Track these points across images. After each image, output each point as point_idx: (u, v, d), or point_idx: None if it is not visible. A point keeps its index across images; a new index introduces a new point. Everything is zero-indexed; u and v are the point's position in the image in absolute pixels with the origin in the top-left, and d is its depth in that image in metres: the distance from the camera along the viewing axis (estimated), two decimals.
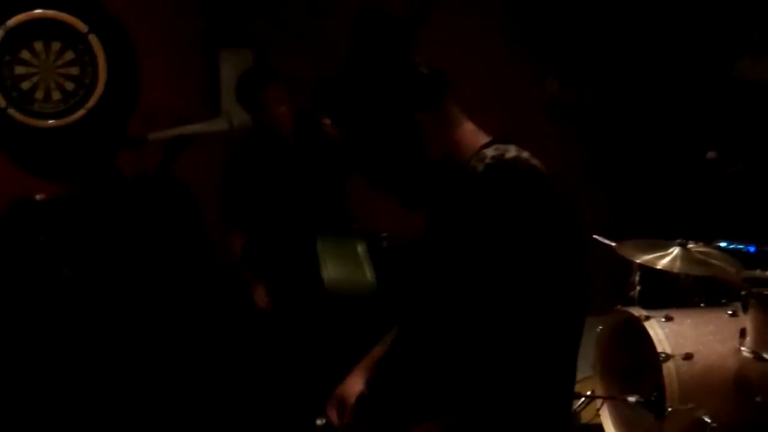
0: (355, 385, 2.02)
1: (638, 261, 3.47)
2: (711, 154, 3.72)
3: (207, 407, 3.74)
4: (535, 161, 1.72)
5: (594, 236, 3.77)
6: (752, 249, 3.80)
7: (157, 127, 4.12)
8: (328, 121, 3.28)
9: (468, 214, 1.67)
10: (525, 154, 1.73)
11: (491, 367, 1.61)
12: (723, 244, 3.75)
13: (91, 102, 4.28)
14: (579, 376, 3.89)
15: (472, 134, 1.80)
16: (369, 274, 3.32)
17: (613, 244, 3.62)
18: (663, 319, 3.21)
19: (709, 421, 3.00)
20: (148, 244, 3.88)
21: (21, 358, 3.54)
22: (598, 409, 3.46)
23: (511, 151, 1.72)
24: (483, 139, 1.80)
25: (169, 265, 3.91)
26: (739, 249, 3.76)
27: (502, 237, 1.60)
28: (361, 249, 3.39)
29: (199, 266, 4.05)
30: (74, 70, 4.26)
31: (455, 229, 1.72)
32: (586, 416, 3.60)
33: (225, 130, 2.93)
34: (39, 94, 4.23)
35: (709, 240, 3.63)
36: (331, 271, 3.32)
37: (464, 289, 1.66)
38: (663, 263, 3.36)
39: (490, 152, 1.73)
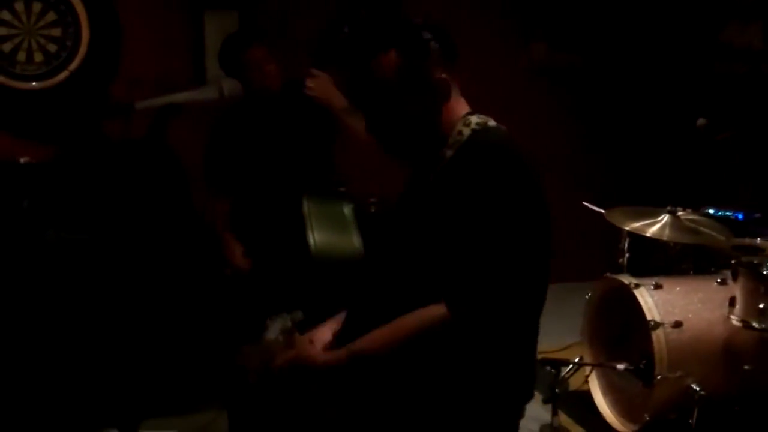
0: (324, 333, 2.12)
1: (627, 228, 3.47)
2: (701, 121, 3.71)
3: (188, 369, 3.74)
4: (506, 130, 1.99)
5: (583, 203, 3.76)
6: (740, 216, 3.81)
7: (141, 90, 4.06)
8: (312, 85, 3.22)
9: (456, 169, 1.89)
10: (502, 125, 1.99)
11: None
12: (711, 211, 3.75)
13: (74, 64, 4.20)
14: (567, 342, 3.96)
15: (459, 102, 2.00)
16: (355, 239, 3.27)
17: (603, 211, 3.61)
18: (652, 287, 3.21)
19: (697, 389, 3.02)
20: (132, 207, 3.84)
21: (3, 322, 3.51)
22: (587, 376, 3.47)
23: (492, 121, 1.98)
24: (465, 107, 2.01)
25: (154, 228, 3.87)
26: (728, 216, 3.77)
27: (486, 190, 1.81)
28: (348, 213, 3.34)
29: (183, 230, 4.01)
30: (56, 32, 4.18)
31: (445, 182, 1.91)
32: (574, 383, 3.62)
33: (215, 98, 2.86)
34: (21, 56, 4.16)
35: (697, 207, 3.63)
36: (317, 234, 3.27)
37: (447, 234, 1.85)
38: (652, 231, 3.36)
39: (474, 119, 1.97)
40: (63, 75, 4.20)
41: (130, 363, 3.57)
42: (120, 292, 3.63)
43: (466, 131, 1.94)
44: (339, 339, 2.07)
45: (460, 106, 1.99)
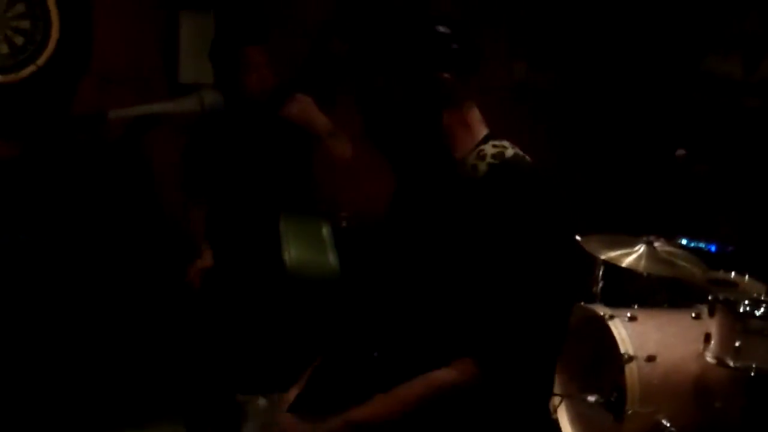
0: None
1: (602, 257, 3.43)
2: (680, 152, 3.69)
3: (145, 380, 3.64)
4: (527, 157, 1.80)
5: None
6: (713, 248, 3.80)
7: (111, 90, 3.95)
8: (293, 111, 3.13)
9: (472, 212, 1.72)
10: (519, 151, 1.80)
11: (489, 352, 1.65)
12: (684, 242, 3.73)
13: (42, 59, 4.06)
14: None
15: (476, 123, 1.83)
16: (332, 258, 3.21)
17: (578, 237, 3.57)
18: (627, 319, 3.17)
19: (668, 425, 2.98)
20: (94, 210, 3.74)
21: None
22: (556, 406, 3.41)
23: (509, 149, 1.78)
24: (483, 130, 1.83)
25: (115, 234, 3.77)
26: (700, 247, 3.76)
27: (508, 237, 1.66)
28: (325, 232, 3.27)
29: (146, 236, 3.91)
30: (25, 24, 4.04)
31: (454, 223, 1.75)
32: None
33: (195, 111, 2.76)
34: None
35: (670, 236, 3.60)
36: (294, 252, 3.20)
37: (463, 281, 1.70)
38: (628, 261, 3.34)
39: (489, 149, 1.77)
40: (29, 69, 4.05)
41: (84, 373, 3.47)
42: (76, 297, 3.53)
43: (482, 166, 1.75)
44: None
45: (476, 125, 1.83)
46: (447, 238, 1.76)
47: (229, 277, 3.31)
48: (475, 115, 1.84)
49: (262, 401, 1.88)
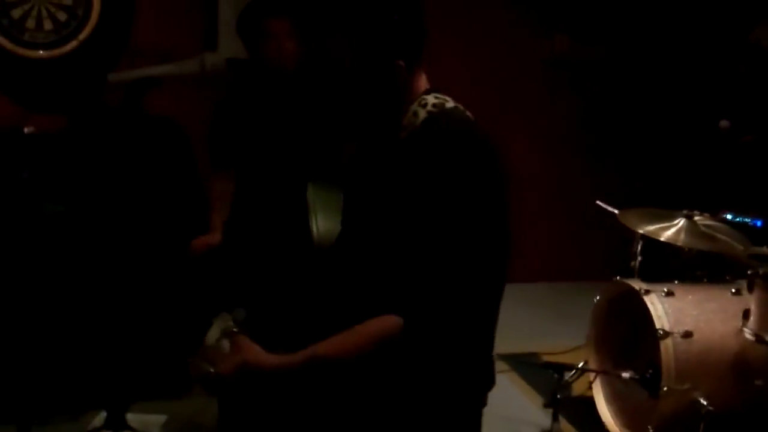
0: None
1: (641, 231, 3.35)
2: (724, 123, 3.59)
3: (180, 353, 3.65)
4: (468, 113, 1.84)
5: (597, 202, 3.64)
6: (759, 223, 3.69)
7: (149, 64, 3.98)
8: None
9: (408, 157, 1.76)
10: (461, 106, 1.84)
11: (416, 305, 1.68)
12: (729, 217, 3.63)
13: (84, 34, 4.11)
14: (573, 344, 3.85)
15: (421, 81, 1.87)
16: None
17: (616, 211, 3.50)
18: (663, 294, 3.09)
19: (705, 403, 2.90)
20: (133, 182, 3.75)
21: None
22: (591, 382, 3.36)
23: (450, 102, 1.83)
24: (425, 84, 1.87)
25: (154, 207, 3.79)
26: (746, 222, 3.65)
27: (436, 183, 1.69)
28: None
29: (186, 209, 3.93)
30: (67, 0, 4.09)
31: (394, 169, 1.80)
32: (577, 388, 3.51)
33: (196, 72, 2.75)
34: (30, 23, 4.08)
35: (715, 211, 3.51)
36: (321, 223, 3.18)
37: (396, 225, 1.74)
38: (667, 235, 3.23)
39: (431, 99, 1.83)
40: (72, 44, 4.11)
41: (120, 344, 3.49)
42: (114, 269, 3.55)
43: (422, 114, 1.81)
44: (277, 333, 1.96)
45: (420, 83, 1.86)
46: (387, 190, 1.80)
47: (254, 246, 3.31)
48: (422, 76, 1.87)
49: (235, 314, 1.91)
